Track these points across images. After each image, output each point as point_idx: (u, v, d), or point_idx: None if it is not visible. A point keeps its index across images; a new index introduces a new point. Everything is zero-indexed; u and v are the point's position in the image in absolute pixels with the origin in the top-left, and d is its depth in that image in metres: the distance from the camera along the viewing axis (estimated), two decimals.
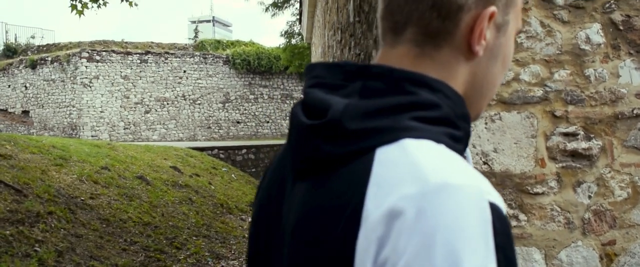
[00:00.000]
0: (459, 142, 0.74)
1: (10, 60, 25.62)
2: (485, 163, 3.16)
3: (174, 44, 27.02)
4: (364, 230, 0.63)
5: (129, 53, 24.41)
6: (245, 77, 26.62)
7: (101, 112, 23.67)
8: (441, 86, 0.74)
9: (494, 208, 0.63)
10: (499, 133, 3.16)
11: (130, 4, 7.90)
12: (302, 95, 0.79)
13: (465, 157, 0.78)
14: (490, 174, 3.14)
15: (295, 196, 0.76)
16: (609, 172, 3.18)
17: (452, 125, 0.73)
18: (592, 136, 3.17)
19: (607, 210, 3.14)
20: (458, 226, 0.59)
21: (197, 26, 31.90)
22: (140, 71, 24.55)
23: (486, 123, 3.17)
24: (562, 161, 3.14)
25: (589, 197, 3.14)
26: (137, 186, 9.01)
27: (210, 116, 25.95)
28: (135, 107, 24.46)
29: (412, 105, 0.71)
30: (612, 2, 3.15)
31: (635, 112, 3.18)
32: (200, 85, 25.75)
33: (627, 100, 3.18)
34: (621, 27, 3.16)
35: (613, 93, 3.17)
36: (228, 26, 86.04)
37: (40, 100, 24.52)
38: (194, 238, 7.70)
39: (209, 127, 25.89)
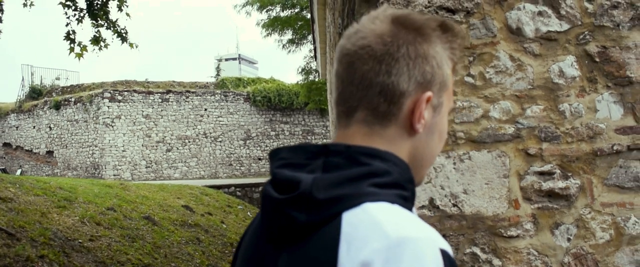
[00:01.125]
0: (407, 201, 0.88)
1: (35, 102, 26.08)
2: (454, 205, 2.99)
3: (195, 82, 27.26)
4: None
5: (150, 92, 24.67)
6: (266, 113, 26.68)
7: (123, 151, 23.85)
8: (390, 156, 0.90)
9: (444, 254, 0.78)
10: (468, 173, 2.99)
11: (131, 45, 7.94)
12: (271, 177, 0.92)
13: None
14: (460, 217, 2.97)
15: (277, 263, 0.87)
16: (589, 212, 2.98)
17: (401, 188, 0.88)
18: (569, 174, 2.99)
19: (588, 253, 2.94)
20: None
21: (219, 64, 32.16)
22: (162, 110, 24.76)
23: (454, 163, 3.01)
24: (537, 201, 2.96)
25: (568, 239, 2.95)
26: (142, 226, 8.93)
27: (231, 153, 25.97)
28: (156, 146, 24.61)
29: (369, 174, 0.85)
30: (586, 33, 3.00)
31: (615, 148, 2.99)
32: (221, 122, 25.86)
33: (606, 136, 3.00)
34: (597, 59, 3.00)
35: (591, 129, 2.99)
36: (254, 63, 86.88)
37: (64, 140, 24.83)
38: None
39: (231, 164, 25.90)
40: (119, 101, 23.94)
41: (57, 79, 27.76)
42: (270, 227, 0.88)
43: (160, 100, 24.75)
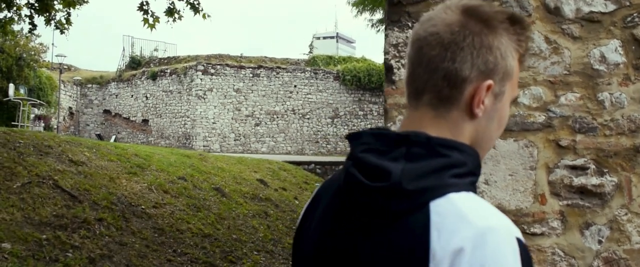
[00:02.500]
0: (474, 184, 1.00)
1: (134, 72, 27.20)
2: None
3: (287, 59, 27.50)
4: (432, 264, 0.88)
5: (242, 67, 25.13)
6: (355, 93, 26.55)
7: (213, 123, 24.49)
8: (465, 148, 0.99)
9: (519, 242, 0.90)
10: (491, 163, 2.78)
11: (204, 16, 8.04)
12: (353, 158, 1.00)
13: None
14: None
15: (360, 243, 0.96)
16: (626, 214, 2.70)
17: (473, 175, 0.99)
18: (605, 170, 2.71)
19: (621, 258, 2.68)
20: (500, 256, 0.86)
21: (312, 41, 32.33)
22: (252, 85, 25.18)
23: None
24: (567, 198, 2.72)
25: (599, 241, 2.69)
26: (210, 197, 9.09)
27: (318, 131, 26.09)
28: (245, 120, 25.10)
29: (450, 165, 0.95)
30: (635, 15, 2.69)
31: None
32: (309, 100, 25.99)
33: None
34: None
35: (633, 122, 2.70)
36: (351, 42, 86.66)
37: (159, 110, 25.79)
38: (255, 253, 7.62)
39: (317, 142, 26.03)
40: (212, 74, 24.54)
41: (155, 50, 28.80)
42: (355, 207, 0.97)
43: (251, 75, 25.17)
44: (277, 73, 25.63)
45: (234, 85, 24.92)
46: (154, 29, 7.73)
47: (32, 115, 21.84)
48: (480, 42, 1.00)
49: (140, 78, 26.58)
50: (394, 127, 2.95)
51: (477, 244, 0.87)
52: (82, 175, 7.15)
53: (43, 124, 22.49)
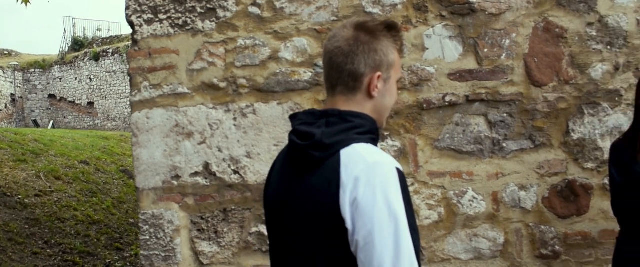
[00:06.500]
0: (375, 141, 1.49)
1: (77, 53, 26.27)
2: (235, 172, 2.34)
3: None
4: (342, 189, 1.34)
5: None
6: None
7: None
8: (363, 115, 1.46)
9: (399, 171, 1.38)
10: (252, 132, 2.33)
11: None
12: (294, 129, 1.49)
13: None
14: (243, 187, 2.33)
15: (299, 184, 1.44)
16: (412, 184, 2.28)
17: (371, 133, 1.47)
18: (386, 133, 2.28)
19: None
20: (385, 182, 1.33)
21: None
22: None
23: (235, 118, 2.34)
24: None
25: None
26: (114, 180, 8.59)
27: None
28: None
29: (354, 127, 1.43)
30: None
31: (449, 99, 2.26)
32: None
33: (436, 84, 2.27)
34: None
35: (415, 74, 2.26)
36: None
37: (103, 91, 24.99)
38: None
39: None
40: None
41: (98, 30, 27.85)
42: (296, 161, 1.47)
43: None
44: None
45: None
46: (28, 4, 7.12)
47: None
48: (368, 48, 1.43)
49: (83, 59, 25.68)
50: (139, 96, 2.48)
51: (370, 172, 1.32)
52: None
53: None
